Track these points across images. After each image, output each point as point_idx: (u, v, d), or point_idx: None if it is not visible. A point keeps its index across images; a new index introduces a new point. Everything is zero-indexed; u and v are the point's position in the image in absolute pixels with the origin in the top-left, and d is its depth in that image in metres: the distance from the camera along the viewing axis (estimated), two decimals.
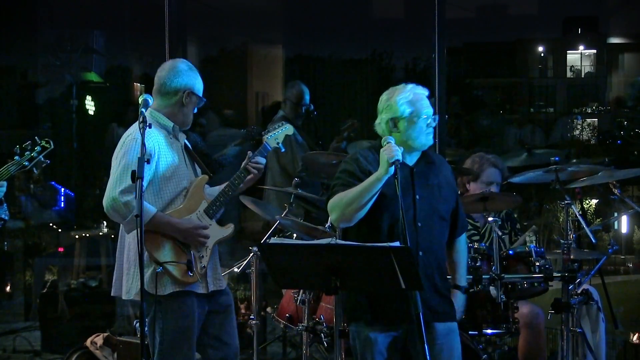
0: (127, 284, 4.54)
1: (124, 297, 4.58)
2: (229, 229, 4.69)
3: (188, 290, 4.50)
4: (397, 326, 4.13)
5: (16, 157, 4.34)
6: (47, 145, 4.40)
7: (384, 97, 4.24)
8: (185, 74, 4.61)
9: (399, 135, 4.15)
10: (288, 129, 4.92)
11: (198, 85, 4.66)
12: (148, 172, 4.37)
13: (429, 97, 4.25)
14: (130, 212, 4.31)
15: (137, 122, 4.28)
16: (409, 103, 4.15)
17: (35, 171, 4.48)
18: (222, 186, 4.71)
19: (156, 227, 4.41)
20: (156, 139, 4.50)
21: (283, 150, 4.99)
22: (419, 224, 4.13)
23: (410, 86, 4.21)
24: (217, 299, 4.66)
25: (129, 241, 4.54)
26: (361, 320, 4.16)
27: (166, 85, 4.60)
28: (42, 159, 4.39)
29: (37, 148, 4.38)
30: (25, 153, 4.36)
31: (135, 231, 4.18)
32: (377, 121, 4.24)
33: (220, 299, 4.68)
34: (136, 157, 4.18)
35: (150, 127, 4.22)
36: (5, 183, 4.36)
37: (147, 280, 4.37)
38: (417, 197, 4.15)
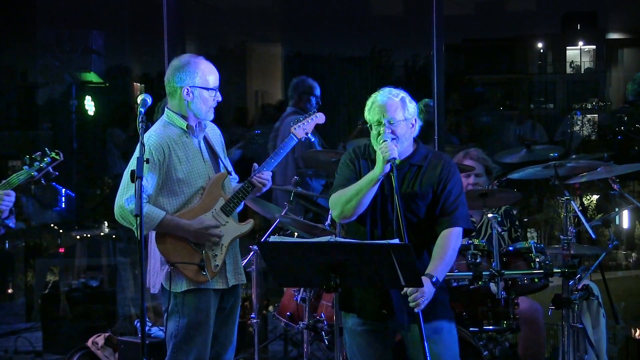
0: (152, 278, 4.61)
1: (151, 291, 4.64)
2: (248, 224, 4.65)
3: (204, 287, 4.51)
4: (381, 322, 4.17)
5: (25, 167, 4.36)
6: (57, 157, 4.42)
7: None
8: (180, 71, 4.54)
9: None
10: (319, 117, 4.81)
11: (199, 78, 4.52)
12: (154, 173, 4.41)
13: (388, 103, 4.17)
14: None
15: (154, 125, 4.37)
16: (367, 111, 4.20)
17: (43, 182, 4.49)
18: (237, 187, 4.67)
19: (166, 229, 4.45)
20: (167, 141, 4.50)
21: (313, 140, 4.89)
22: (388, 228, 4.12)
23: (377, 92, 4.22)
24: (228, 297, 4.65)
25: (152, 238, 4.59)
26: (341, 309, 4.18)
27: (168, 85, 4.60)
28: (52, 170, 4.41)
29: (47, 159, 4.39)
30: (35, 163, 4.37)
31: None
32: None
33: (230, 298, 4.67)
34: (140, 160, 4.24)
35: (149, 127, 4.26)
36: (14, 193, 4.37)
37: (164, 277, 4.48)
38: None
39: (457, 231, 4.17)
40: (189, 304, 4.49)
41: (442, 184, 4.17)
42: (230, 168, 4.76)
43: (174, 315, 4.52)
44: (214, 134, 4.75)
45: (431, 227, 4.19)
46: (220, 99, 4.61)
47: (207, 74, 4.56)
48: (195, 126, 4.59)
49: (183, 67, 4.54)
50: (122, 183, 4.49)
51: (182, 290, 4.49)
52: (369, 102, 4.20)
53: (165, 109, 4.63)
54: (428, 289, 3.97)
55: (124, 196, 4.42)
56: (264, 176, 4.60)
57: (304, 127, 4.76)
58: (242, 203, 4.75)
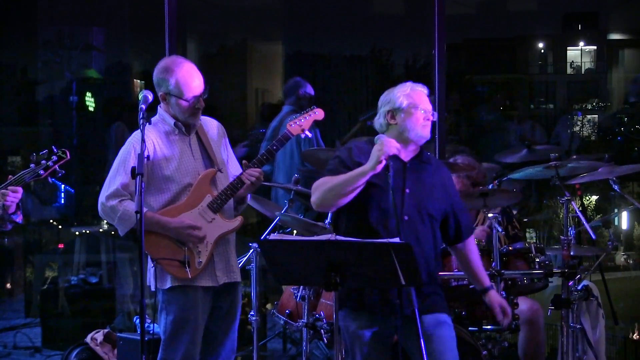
0: (149, 276, 4.61)
1: (151, 289, 4.64)
2: (235, 222, 4.60)
3: (192, 284, 4.49)
4: (382, 320, 4.18)
5: (31, 165, 4.37)
6: (64, 156, 4.44)
7: (384, 93, 4.30)
8: (157, 75, 4.54)
9: (396, 127, 4.21)
10: (317, 113, 4.74)
11: (173, 87, 4.48)
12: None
13: (429, 95, 4.31)
14: (116, 215, 4.44)
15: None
16: (407, 96, 4.21)
17: (50, 180, 4.51)
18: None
19: (146, 227, 4.37)
20: (151, 138, 4.48)
21: (309, 137, 4.84)
22: (405, 217, 4.13)
23: (410, 83, 4.29)
24: (224, 296, 4.63)
25: None
26: (347, 307, 4.19)
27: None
28: (58, 168, 4.43)
29: (53, 157, 4.41)
30: (41, 162, 4.39)
31: None
32: (376, 117, 4.30)
33: (228, 297, 4.65)
34: (127, 161, 4.37)
35: (150, 123, 4.27)
36: (21, 189, 4.39)
37: (152, 274, 4.51)
38: (407, 190, 4.16)
39: (473, 239, 4.45)
40: (175, 301, 4.49)
41: (451, 195, 4.31)
42: (230, 164, 4.73)
43: (163, 312, 4.53)
44: (212, 130, 4.72)
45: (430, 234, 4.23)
46: (202, 105, 4.54)
47: (183, 83, 4.48)
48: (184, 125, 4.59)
49: (160, 71, 4.53)
50: (106, 179, 4.54)
51: (168, 287, 4.49)
52: (404, 88, 4.23)
53: (158, 107, 4.62)
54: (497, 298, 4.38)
55: (105, 193, 4.47)
56: (255, 173, 4.55)
57: (300, 123, 4.67)
58: (247, 202, 4.74)
